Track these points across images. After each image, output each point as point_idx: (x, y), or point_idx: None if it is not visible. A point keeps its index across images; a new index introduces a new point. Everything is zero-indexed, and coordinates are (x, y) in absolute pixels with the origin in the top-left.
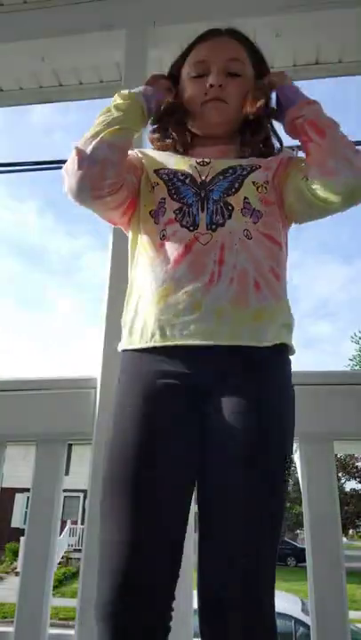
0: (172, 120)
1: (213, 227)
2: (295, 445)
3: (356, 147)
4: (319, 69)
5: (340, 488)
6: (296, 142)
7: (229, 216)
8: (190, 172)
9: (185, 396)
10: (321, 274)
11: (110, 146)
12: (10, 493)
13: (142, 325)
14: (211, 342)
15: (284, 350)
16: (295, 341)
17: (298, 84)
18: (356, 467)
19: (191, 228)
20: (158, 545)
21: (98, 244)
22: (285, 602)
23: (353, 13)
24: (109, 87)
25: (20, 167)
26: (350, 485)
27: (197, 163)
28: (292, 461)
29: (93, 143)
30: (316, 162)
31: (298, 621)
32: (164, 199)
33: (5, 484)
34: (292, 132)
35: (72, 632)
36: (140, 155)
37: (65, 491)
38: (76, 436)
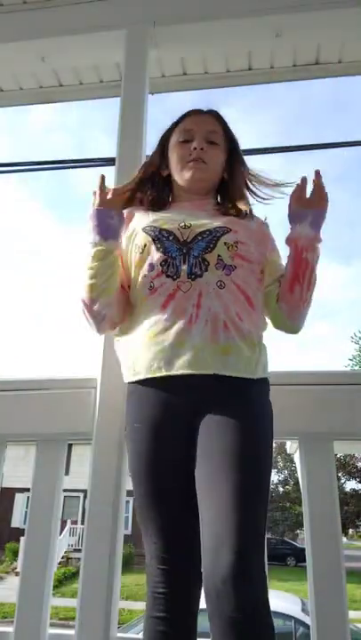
0: (157, 186)
1: (193, 276)
2: (295, 445)
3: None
4: (319, 69)
5: (340, 488)
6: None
7: (206, 269)
8: (174, 232)
9: (177, 416)
10: (321, 275)
11: (107, 305)
12: (10, 493)
13: (139, 362)
14: (190, 372)
15: (255, 382)
16: (294, 342)
17: (298, 84)
18: (356, 466)
19: (174, 277)
20: (182, 541)
21: None
22: (285, 602)
23: (353, 13)
24: (109, 87)
25: (19, 167)
26: (350, 485)
27: (180, 226)
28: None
29: (94, 308)
30: (292, 304)
31: (298, 621)
32: (152, 256)
33: (5, 484)
34: (292, 251)
35: (72, 632)
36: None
37: (65, 491)
38: (76, 435)
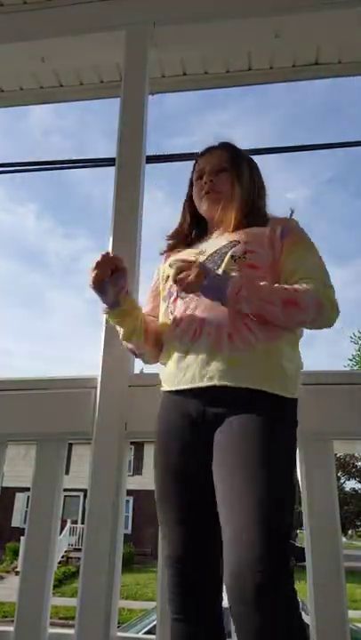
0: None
1: (199, 294)
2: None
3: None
4: (319, 69)
5: (340, 488)
6: None
7: None
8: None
9: (185, 425)
10: None
11: (138, 347)
12: (10, 493)
13: (164, 377)
14: (192, 386)
15: (265, 395)
16: None
17: (298, 84)
18: (356, 466)
19: (186, 299)
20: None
21: (97, 246)
22: None
23: (353, 13)
24: (109, 87)
25: (18, 168)
26: (350, 485)
27: (196, 254)
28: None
29: (129, 347)
30: None
31: None
32: (172, 285)
33: (6, 484)
34: None
35: (72, 631)
36: (160, 270)
37: (65, 490)
38: (76, 435)
